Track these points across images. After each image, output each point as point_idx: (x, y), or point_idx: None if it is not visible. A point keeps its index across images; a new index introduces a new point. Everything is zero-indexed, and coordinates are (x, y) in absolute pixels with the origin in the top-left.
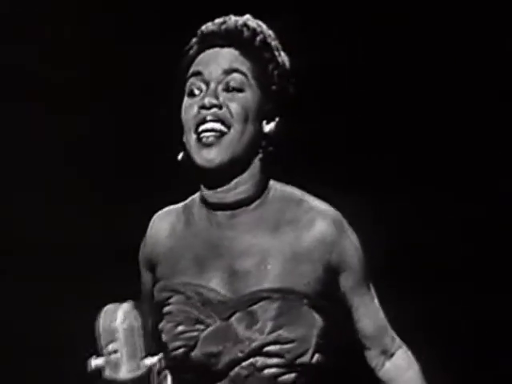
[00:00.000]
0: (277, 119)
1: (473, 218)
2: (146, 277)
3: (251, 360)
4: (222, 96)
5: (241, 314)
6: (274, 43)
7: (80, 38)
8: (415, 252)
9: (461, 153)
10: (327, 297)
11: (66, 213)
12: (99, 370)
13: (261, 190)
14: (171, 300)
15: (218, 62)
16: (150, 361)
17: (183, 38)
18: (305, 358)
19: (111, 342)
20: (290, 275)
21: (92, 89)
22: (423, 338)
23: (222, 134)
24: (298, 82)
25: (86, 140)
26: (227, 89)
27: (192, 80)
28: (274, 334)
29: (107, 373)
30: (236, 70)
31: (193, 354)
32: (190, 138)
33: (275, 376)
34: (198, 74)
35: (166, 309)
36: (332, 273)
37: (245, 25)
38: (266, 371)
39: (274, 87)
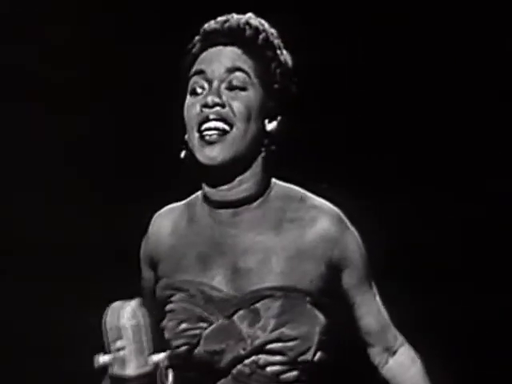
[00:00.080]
0: (279, 118)
1: (473, 218)
2: (148, 274)
3: (254, 358)
4: (225, 95)
5: (244, 312)
6: (277, 42)
7: (80, 38)
8: (415, 252)
9: (461, 153)
10: (329, 294)
11: (65, 213)
12: (106, 367)
13: (263, 188)
14: (174, 298)
15: (221, 60)
16: (157, 357)
17: (183, 38)
18: (307, 356)
19: (118, 339)
20: (293, 273)
21: (92, 89)
22: (423, 338)
23: (224, 132)
24: (299, 82)
25: (85, 140)
26: (230, 87)
27: (195, 78)
28: (277, 332)
29: (114, 369)
30: (239, 69)
31: (196, 351)
32: (193, 137)
33: (278, 373)
34: (200, 72)
35: (169, 306)
36: (334, 270)
37: (247, 23)
38: (269, 369)
39: (276, 86)
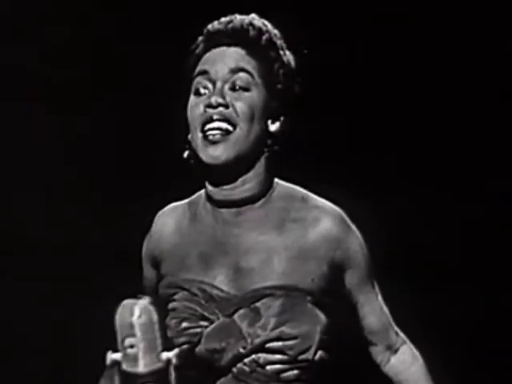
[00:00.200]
0: (282, 118)
1: (473, 218)
2: (149, 273)
3: (254, 356)
4: (229, 95)
5: (244, 311)
6: (280, 42)
7: (80, 38)
8: (415, 252)
9: (461, 153)
10: (331, 294)
11: (65, 213)
12: (118, 364)
13: (266, 188)
14: (176, 296)
15: (225, 61)
16: (167, 355)
17: (183, 38)
18: (308, 355)
19: (129, 336)
20: (295, 272)
21: (92, 89)
22: (423, 338)
23: (228, 132)
24: (301, 82)
25: (85, 140)
26: (233, 88)
27: (198, 79)
28: (277, 331)
29: (126, 366)
30: (242, 70)
31: (197, 350)
32: (196, 136)
33: (278, 372)
34: (204, 72)
35: (171, 305)
36: (337, 270)
37: (251, 24)
38: (269, 367)
39: (279, 86)
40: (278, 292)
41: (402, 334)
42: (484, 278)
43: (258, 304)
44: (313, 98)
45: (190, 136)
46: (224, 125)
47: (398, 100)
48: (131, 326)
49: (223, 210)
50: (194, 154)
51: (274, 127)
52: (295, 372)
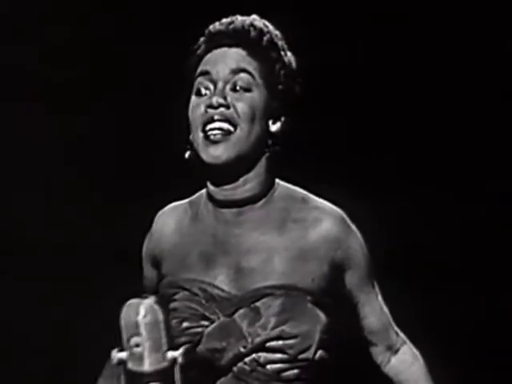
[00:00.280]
0: (283, 118)
1: (473, 218)
2: (150, 273)
3: (254, 356)
4: (230, 96)
5: (244, 311)
6: (281, 43)
7: (80, 38)
8: (415, 252)
9: (461, 153)
10: (331, 294)
11: (66, 213)
12: (123, 363)
13: (267, 188)
14: (177, 296)
15: (226, 61)
16: (172, 354)
17: (183, 38)
18: (308, 354)
19: (135, 335)
20: (296, 272)
21: (92, 89)
22: (423, 338)
23: (229, 132)
24: (302, 82)
25: (85, 140)
26: (234, 88)
27: (200, 79)
28: (277, 330)
29: (131, 365)
30: (243, 70)
31: (197, 349)
32: (198, 136)
33: (278, 371)
34: (205, 73)
35: (172, 305)
36: (337, 270)
37: (252, 25)
38: (269, 367)
39: (280, 87)
40: (278, 291)
41: (401, 334)
42: (484, 278)
43: (258, 303)
44: (313, 98)
45: (191, 136)
46: (225, 125)
47: (398, 100)
48: (137, 325)
49: (225, 210)
50: (195, 154)
51: (274, 127)
52: (295, 371)
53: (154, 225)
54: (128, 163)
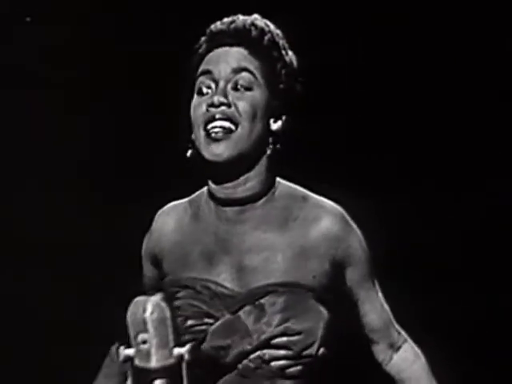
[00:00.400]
0: (284, 117)
1: (473, 218)
2: (150, 271)
3: (259, 353)
4: (231, 94)
5: (249, 308)
6: (282, 42)
7: (80, 38)
8: (415, 252)
9: (461, 153)
10: (333, 290)
11: (65, 213)
12: (131, 359)
13: (267, 187)
14: (180, 294)
15: (227, 61)
16: (179, 351)
17: (183, 38)
18: (311, 350)
19: (142, 331)
20: (297, 270)
21: (92, 89)
22: (423, 338)
23: (230, 131)
24: (303, 82)
25: (85, 140)
26: (236, 87)
27: (201, 78)
28: (282, 327)
29: (138, 362)
30: (245, 69)
31: (202, 347)
32: (199, 135)
33: (283, 368)
34: (207, 72)
35: (175, 303)
36: (338, 267)
37: (253, 24)
38: (274, 363)
39: (281, 86)
40: (281, 289)
41: (403, 332)
42: (484, 278)
43: (262, 301)
44: (313, 97)
45: (193, 135)
46: (226, 124)
47: (398, 100)
48: (144, 322)
49: (226, 209)
50: (197, 153)
51: (275, 126)
52: (299, 368)
53: (154, 223)
54: (128, 163)
